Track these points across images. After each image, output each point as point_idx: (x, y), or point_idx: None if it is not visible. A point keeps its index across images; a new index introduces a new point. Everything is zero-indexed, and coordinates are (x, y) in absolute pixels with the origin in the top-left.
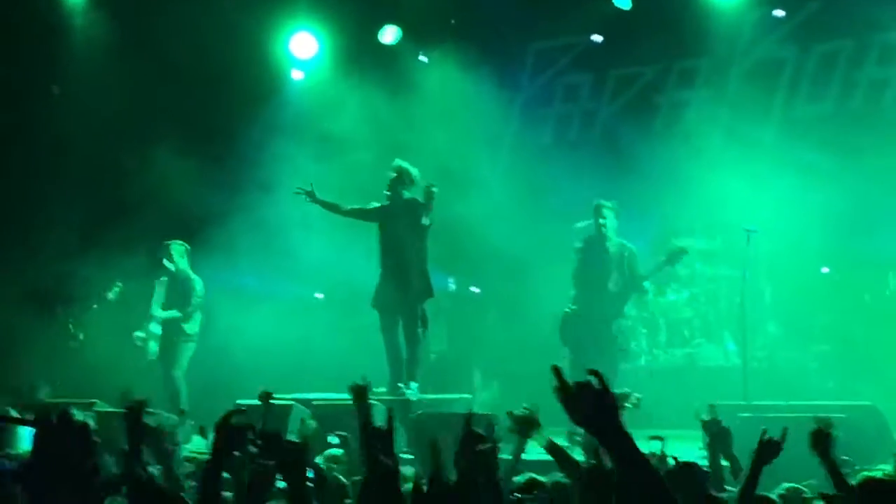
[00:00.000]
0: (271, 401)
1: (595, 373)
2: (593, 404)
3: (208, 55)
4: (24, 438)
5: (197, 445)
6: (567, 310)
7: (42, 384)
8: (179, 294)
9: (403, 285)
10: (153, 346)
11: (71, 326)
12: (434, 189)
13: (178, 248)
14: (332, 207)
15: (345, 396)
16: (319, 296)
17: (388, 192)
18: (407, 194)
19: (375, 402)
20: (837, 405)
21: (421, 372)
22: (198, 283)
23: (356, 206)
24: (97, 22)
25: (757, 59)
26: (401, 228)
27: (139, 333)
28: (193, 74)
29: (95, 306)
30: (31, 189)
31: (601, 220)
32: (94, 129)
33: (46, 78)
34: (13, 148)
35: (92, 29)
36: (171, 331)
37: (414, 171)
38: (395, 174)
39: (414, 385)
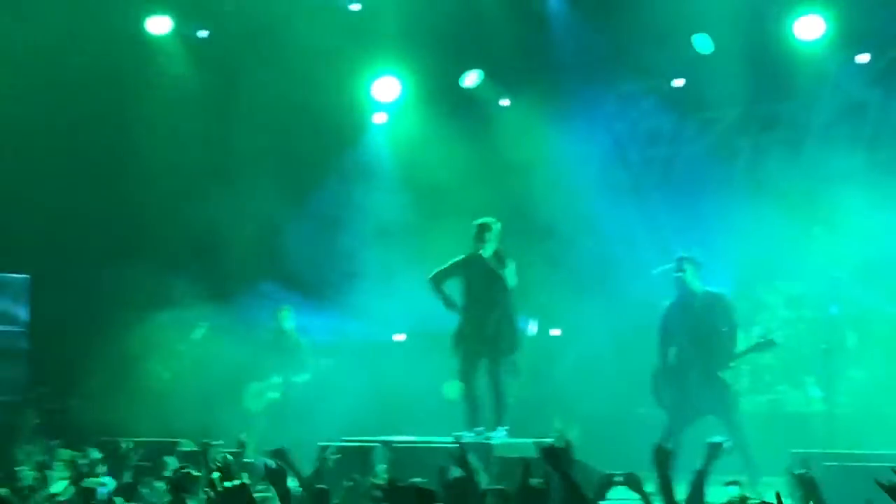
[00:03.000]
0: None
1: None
2: None
3: (293, 99)
4: None
5: None
6: (658, 365)
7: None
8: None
9: (487, 335)
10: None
11: (157, 365)
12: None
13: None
14: (447, 300)
15: (424, 438)
16: (399, 337)
17: (473, 245)
18: (490, 247)
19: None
20: None
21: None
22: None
23: (441, 277)
24: (187, 69)
25: (840, 103)
26: (485, 280)
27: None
28: (277, 118)
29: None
30: (116, 228)
31: (678, 274)
32: (181, 173)
33: (136, 121)
34: (109, 191)
35: (181, 76)
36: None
37: (496, 225)
38: (478, 229)
39: (501, 430)
